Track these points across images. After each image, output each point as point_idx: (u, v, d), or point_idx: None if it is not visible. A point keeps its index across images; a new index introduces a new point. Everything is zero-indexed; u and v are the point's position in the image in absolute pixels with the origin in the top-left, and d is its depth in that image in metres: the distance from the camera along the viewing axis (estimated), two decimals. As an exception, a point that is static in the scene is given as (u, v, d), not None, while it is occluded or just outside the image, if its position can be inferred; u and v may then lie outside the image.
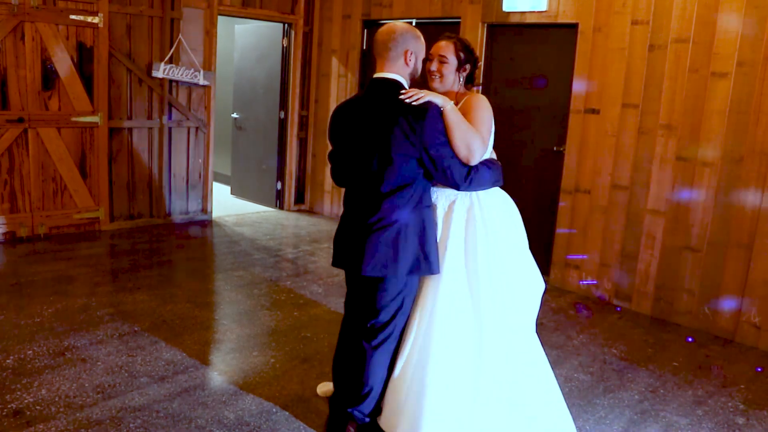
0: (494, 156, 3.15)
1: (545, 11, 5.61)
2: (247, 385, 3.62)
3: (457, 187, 2.88)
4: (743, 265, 4.68)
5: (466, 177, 2.83)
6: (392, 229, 2.80)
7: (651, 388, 3.93)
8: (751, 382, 4.12)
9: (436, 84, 3.05)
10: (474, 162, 2.83)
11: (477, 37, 6.13)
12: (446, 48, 3.03)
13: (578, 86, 5.44)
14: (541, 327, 4.80)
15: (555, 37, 5.74)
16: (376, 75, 2.89)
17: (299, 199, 8.24)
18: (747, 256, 4.65)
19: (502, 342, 2.94)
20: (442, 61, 3.02)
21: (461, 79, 3.08)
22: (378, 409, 3.10)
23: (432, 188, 2.96)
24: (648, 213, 5.13)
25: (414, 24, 6.77)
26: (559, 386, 3.86)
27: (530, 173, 6.03)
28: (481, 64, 3.15)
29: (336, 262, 3.02)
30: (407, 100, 2.75)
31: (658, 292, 5.13)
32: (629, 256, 5.26)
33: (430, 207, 2.92)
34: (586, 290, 5.55)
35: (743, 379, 4.15)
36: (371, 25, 7.28)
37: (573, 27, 5.48)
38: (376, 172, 2.80)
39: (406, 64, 2.86)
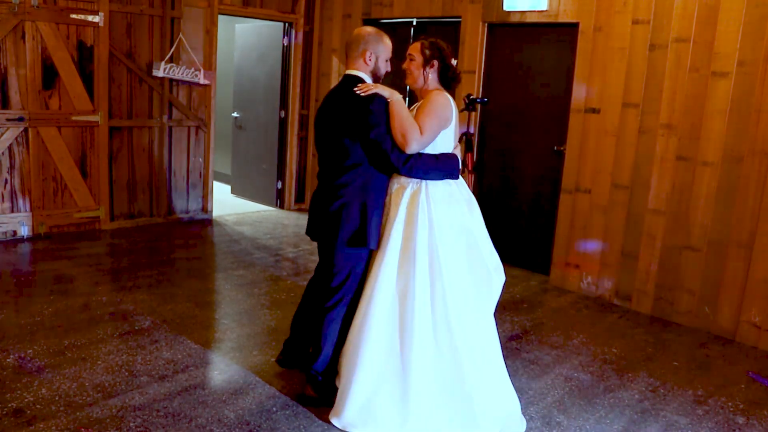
0: (457, 152, 3.38)
1: (546, 10, 5.60)
2: (247, 384, 3.62)
3: (398, 171, 3.19)
4: (743, 264, 4.68)
5: (404, 162, 3.15)
6: (338, 203, 3.23)
7: (651, 388, 3.93)
8: (751, 381, 4.13)
9: (409, 80, 3.35)
10: (410, 150, 3.11)
11: (477, 37, 6.14)
12: (414, 47, 3.33)
13: (579, 86, 5.44)
14: (541, 326, 4.81)
15: (555, 37, 5.74)
16: (346, 71, 3.36)
17: (300, 198, 8.24)
18: (747, 256, 4.65)
19: (433, 322, 3.16)
20: (410, 58, 3.32)
21: (430, 75, 3.30)
22: (335, 371, 3.45)
23: (392, 178, 3.31)
24: (648, 212, 5.13)
25: (415, 23, 6.77)
26: (560, 386, 3.87)
27: (530, 172, 6.03)
28: (455, 62, 3.30)
29: (306, 230, 3.50)
30: (358, 92, 3.16)
31: (658, 292, 5.13)
32: (629, 255, 5.26)
33: (378, 189, 3.26)
34: (587, 290, 5.55)
35: (743, 379, 4.15)
36: (372, 25, 7.28)
37: (574, 26, 5.48)
38: (331, 154, 3.29)
39: (366, 62, 3.30)
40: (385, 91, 3.15)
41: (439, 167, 3.21)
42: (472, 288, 3.23)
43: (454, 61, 3.32)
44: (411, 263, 3.15)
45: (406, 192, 3.22)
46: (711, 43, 4.70)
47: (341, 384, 3.30)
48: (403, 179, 3.24)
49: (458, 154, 3.38)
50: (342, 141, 3.21)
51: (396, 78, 3.67)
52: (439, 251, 3.14)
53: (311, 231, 3.42)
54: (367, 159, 3.21)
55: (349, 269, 3.30)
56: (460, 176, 3.36)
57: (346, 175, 3.23)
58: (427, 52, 3.27)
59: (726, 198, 4.72)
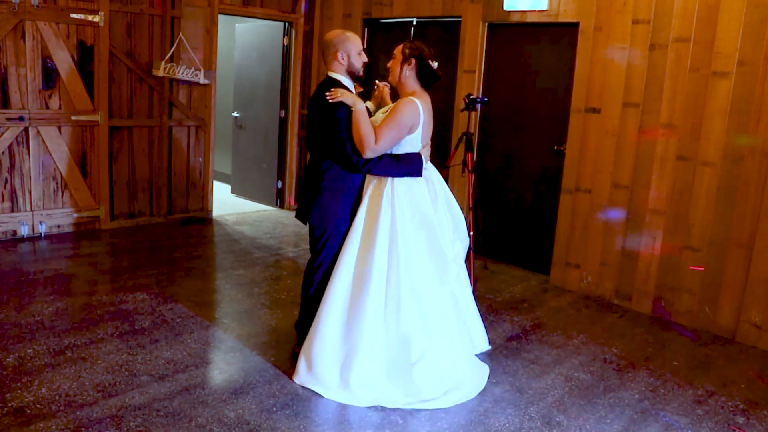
0: (426, 151, 3.68)
1: (546, 10, 5.60)
2: (247, 383, 3.62)
3: (357, 171, 3.57)
4: (743, 264, 4.67)
5: (363, 165, 3.52)
6: (313, 190, 3.67)
7: (651, 388, 3.93)
8: (751, 381, 4.13)
9: (389, 77, 3.69)
10: (365, 155, 3.47)
11: (478, 37, 6.13)
12: (397, 48, 3.65)
13: (579, 85, 5.44)
14: (541, 326, 4.81)
15: (556, 37, 5.74)
16: (327, 72, 3.72)
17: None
18: (747, 256, 4.65)
19: (386, 301, 3.54)
20: (393, 57, 3.65)
21: (407, 73, 3.59)
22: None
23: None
24: (648, 212, 5.13)
25: (415, 23, 6.77)
26: (560, 385, 3.87)
27: (531, 172, 6.03)
28: (435, 63, 3.58)
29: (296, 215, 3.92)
30: (328, 98, 3.47)
31: (658, 292, 5.13)
32: (629, 255, 5.26)
33: (344, 183, 3.62)
34: (587, 289, 5.55)
35: (743, 379, 4.15)
36: (372, 24, 7.28)
37: (574, 26, 5.48)
38: (310, 149, 3.76)
39: (340, 62, 3.63)
40: (348, 99, 3.46)
41: (399, 168, 3.54)
42: (431, 273, 3.58)
43: (434, 63, 3.58)
44: (371, 248, 3.51)
45: (373, 182, 3.61)
46: (711, 42, 4.70)
47: (302, 347, 3.70)
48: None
49: (426, 153, 3.66)
50: (315, 139, 3.66)
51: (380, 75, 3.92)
52: (398, 238, 3.50)
53: (300, 215, 3.84)
54: (335, 159, 3.59)
55: (323, 244, 3.70)
56: (433, 172, 3.76)
57: (320, 168, 3.64)
58: (407, 51, 3.58)
59: (726, 198, 4.72)
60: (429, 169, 3.76)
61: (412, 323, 3.52)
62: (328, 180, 3.63)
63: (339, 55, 3.60)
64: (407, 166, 3.56)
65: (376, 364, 3.52)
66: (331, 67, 3.65)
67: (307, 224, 3.77)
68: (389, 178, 3.56)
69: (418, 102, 3.53)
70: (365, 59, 3.70)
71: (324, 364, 3.55)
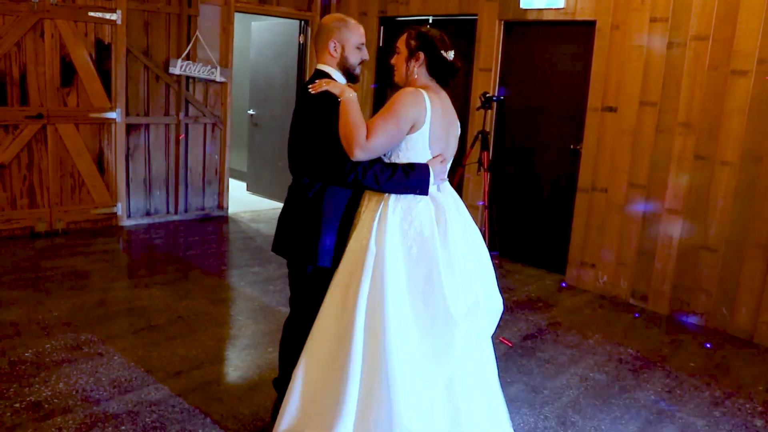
0: (439, 165, 2.77)
1: (563, 8, 5.57)
2: (262, 381, 3.63)
3: (341, 183, 2.73)
4: (762, 265, 4.63)
5: (348, 173, 2.67)
6: (292, 214, 2.90)
7: (667, 389, 3.90)
8: (769, 383, 4.09)
9: (396, 77, 2.88)
10: (354, 157, 2.62)
11: (494, 35, 6.11)
12: (400, 39, 2.85)
13: (595, 84, 5.41)
14: (556, 326, 4.78)
15: (572, 35, 5.71)
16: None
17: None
18: (765, 257, 4.60)
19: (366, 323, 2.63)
20: (397, 51, 2.85)
21: (416, 70, 2.79)
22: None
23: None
24: (665, 212, 5.09)
25: (431, 21, 6.76)
26: (575, 385, 3.85)
27: (546, 171, 6.00)
28: (450, 54, 2.76)
29: None
30: (310, 90, 2.75)
31: (674, 292, 5.09)
32: (646, 255, 5.22)
33: (331, 203, 2.82)
34: (602, 289, 5.52)
35: (761, 381, 4.11)
36: (387, 23, 7.27)
37: (591, 24, 5.45)
38: (290, 162, 2.93)
39: (331, 54, 2.87)
40: (335, 88, 2.72)
41: (397, 179, 2.67)
42: (420, 352, 2.61)
43: (449, 53, 2.78)
44: (351, 301, 2.66)
45: (365, 203, 2.82)
46: (730, 41, 4.65)
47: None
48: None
49: (438, 167, 2.75)
50: (301, 146, 2.85)
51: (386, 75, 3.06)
52: (379, 292, 2.61)
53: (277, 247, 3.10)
54: (318, 169, 2.79)
55: (306, 280, 2.94)
56: (449, 196, 2.85)
57: (306, 181, 2.87)
58: (413, 43, 2.79)
59: (744, 198, 4.67)
60: (445, 191, 2.84)
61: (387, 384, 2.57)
62: (311, 200, 2.82)
63: (331, 44, 2.84)
64: (407, 178, 2.66)
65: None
66: (322, 58, 2.89)
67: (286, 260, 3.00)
68: (383, 199, 2.72)
69: (424, 94, 2.70)
70: (365, 56, 2.94)
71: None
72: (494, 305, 2.97)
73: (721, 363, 4.34)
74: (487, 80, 6.20)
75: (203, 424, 3.16)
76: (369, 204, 2.79)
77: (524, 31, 6.06)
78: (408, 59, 2.80)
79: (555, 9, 5.63)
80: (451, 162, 2.89)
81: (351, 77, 2.94)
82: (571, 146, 5.77)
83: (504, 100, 5.73)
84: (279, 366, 3.15)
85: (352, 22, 2.90)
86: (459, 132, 2.96)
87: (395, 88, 2.86)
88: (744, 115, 4.63)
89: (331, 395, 2.67)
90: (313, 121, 2.74)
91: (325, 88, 2.72)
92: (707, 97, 4.80)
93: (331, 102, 2.70)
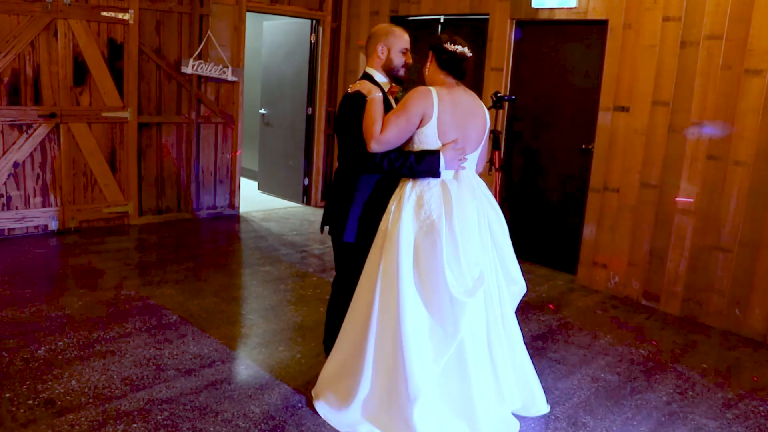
0: (452, 152, 3.09)
1: (575, 8, 5.55)
2: (273, 379, 3.64)
3: (363, 170, 3.20)
4: (776, 266, 4.60)
5: (368, 161, 3.14)
6: (333, 193, 3.40)
7: (679, 390, 3.88)
8: (782, 385, 4.06)
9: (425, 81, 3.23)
10: (372, 147, 3.07)
11: (505, 34, 6.10)
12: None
13: (607, 84, 5.38)
14: (567, 326, 4.77)
15: (584, 34, 5.68)
16: None
17: (326, 195, 8.26)
18: (780, 257, 4.57)
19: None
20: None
21: (429, 67, 3.18)
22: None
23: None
24: (678, 212, 5.06)
25: (442, 21, 6.75)
26: (586, 386, 3.83)
27: (558, 171, 5.98)
28: (453, 46, 3.08)
29: None
30: (348, 90, 3.23)
31: (687, 293, 5.06)
32: (658, 255, 5.20)
33: (361, 185, 3.27)
34: (614, 290, 5.49)
35: (774, 382, 4.08)
36: (399, 22, 7.27)
37: (603, 24, 5.42)
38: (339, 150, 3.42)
39: (379, 56, 3.33)
40: (364, 87, 3.15)
41: (408, 166, 3.09)
42: (427, 314, 3.03)
43: (453, 45, 3.09)
44: (374, 272, 3.11)
45: (399, 189, 3.19)
46: (744, 40, 4.61)
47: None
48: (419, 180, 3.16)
49: (447, 150, 3.08)
50: (340, 137, 3.36)
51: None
52: (400, 261, 3.00)
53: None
54: (350, 155, 3.24)
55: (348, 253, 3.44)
56: (466, 180, 3.15)
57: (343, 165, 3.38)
58: (428, 48, 3.21)
59: (758, 198, 4.64)
60: (462, 181, 3.14)
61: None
62: (342, 185, 3.32)
63: (379, 47, 3.30)
64: (418, 164, 3.07)
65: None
66: (370, 61, 3.36)
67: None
68: (402, 188, 3.14)
69: (432, 90, 3.05)
70: (409, 60, 3.36)
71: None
72: (516, 287, 3.35)
73: (734, 364, 4.32)
74: (498, 80, 6.18)
75: (214, 422, 3.17)
76: (395, 193, 3.19)
77: (536, 31, 6.04)
78: (424, 63, 3.21)
79: (567, 8, 5.61)
80: (476, 152, 3.22)
81: (396, 78, 3.38)
82: (583, 146, 5.74)
83: (515, 100, 5.71)
84: (325, 327, 3.66)
85: (398, 30, 3.36)
86: (486, 123, 3.26)
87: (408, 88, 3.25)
88: (758, 114, 4.59)
89: (356, 362, 3.14)
90: (344, 117, 3.23)
91: (357, 89, 3.16)
92: (720, 96, 4.77)
93: (360, 101, 3.14)
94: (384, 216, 3.16)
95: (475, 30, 6.46)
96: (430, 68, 3.17)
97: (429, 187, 3.08)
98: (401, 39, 3.33)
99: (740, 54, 4.65)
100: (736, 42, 4.66)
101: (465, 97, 3.17)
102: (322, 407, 3.29)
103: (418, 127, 3.06)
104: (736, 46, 4.66)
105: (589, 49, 5.66)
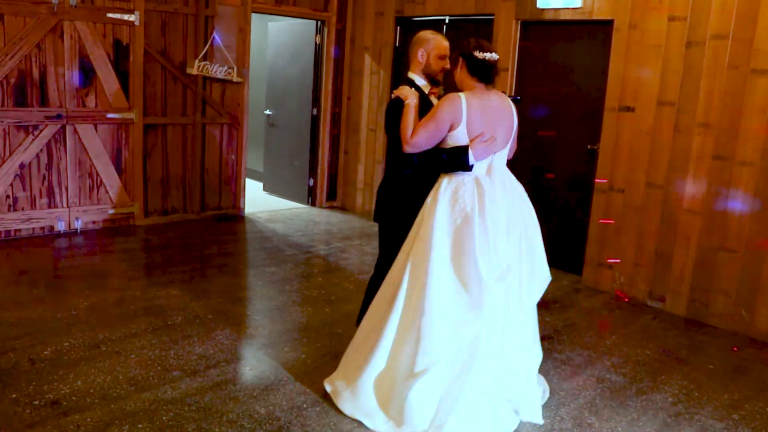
0: (481, 148, 3.30)
1: (580, 8, 5.54)
2: (278, 380, 3.65)
3: (401, 166, 3.50)
4: (782, 266, 4.58)
5: (404, 159, 3.42)
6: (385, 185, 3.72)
7: (685, 391, 3.87)
8: (789, 386, 4.04)
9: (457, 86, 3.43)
10: (405, 149, 3.34)
11: (510, 34, 6.09)
12: (451, 55, 3.51)
13: (613, 84, 5.37)
14: (573, 327, 4.76)
15: (590, 34, 5.67)
16: None
17: (331, 196, 8.26)
18: (786, 258, 4.55)
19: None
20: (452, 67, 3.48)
21: (460, 73, 3.35)
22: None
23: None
24: (683, 213, 5.04)
25: (447, 21, 6.74)
26: (591, 387, 3.83)
27: (563, 171, 5.97)
28: (483, 54, 3.29)
29: None
30: (392, 96, 3.49)
31: (693, 293, 5.05)
32: (664, 256, 5.18)
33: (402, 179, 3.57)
34: (620, 290, 5.48)
35: (781, 383, 4.06)
36: (404, 23, 7.27)
37: (608, 24, 5.41)
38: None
39: (419, 61, 3.57)
40: (403, 93, 3.41)
41: (438, 161, 3.34)
42: (455, 294, 3.22)
43: (483, 53, 3.29)
44: (404, 257, 3.36)
45: (436, 185, 3.40)
46: (751, 39, 4.60)
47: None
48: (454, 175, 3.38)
49: (476, 143, 3.27)
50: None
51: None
52: (432, 248, 3.22)
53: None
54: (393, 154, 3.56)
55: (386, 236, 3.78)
56: (496, 177, 3.37)
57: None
58: (454, 54, 3.40)
59: (764, 198, 4.62)
60: (495, 178, 3.37)
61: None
62: (385, 179, 3.69)
63: (419, 52, 3.55)
64: (448, 158, 3.30)
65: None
66: (411, 66, 3.62)
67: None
68: (438, 183, 3.35)
69: (462, 96, 3.25)
70: (447, 65, 3.56)
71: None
72: (542, 274, 3.60)
73: (740, 366, 4.30)
74: (503, 80, 6.17)
75: (219, 423, 3.18)
76: (433, 187, 3.39)
77: (541, 31, 6.03)
78: (454, 68, 3.39)
79: (572, 9, 5.59)
80: (506, 150, 3.51)
81: (434, 81, 3.62)
82: (588, 146, 5.73)
83: (520, 100, 5.71)
84: (361, 306, 3.84)
85: (438, 37, 3.59)
86: (514, 121, 3.50)
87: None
88: (764, 114, 4.57)
89: (377, 329, 3.35)
90: (387, 120, 3.53)
91: (397, 94, 3.43)
92: (726, 96, 4.75)
93: (399, 106, 3.41)
94: (421, 209, 3.38)
95: (479, 30, 6.45)
96: (461, 73, 3.35)
97: (463, 183, 3.28)
98: (438, 45, 3.56)
99: (746, 54, 4.63)
100: (743, 42, 4.64)
101: (493, 98, 3.40)
102: (332, 385, 3.50)
103: (449, 131, 3.28)
104: (742, 45, 4.65)
105: (594, 50, 5.65)
